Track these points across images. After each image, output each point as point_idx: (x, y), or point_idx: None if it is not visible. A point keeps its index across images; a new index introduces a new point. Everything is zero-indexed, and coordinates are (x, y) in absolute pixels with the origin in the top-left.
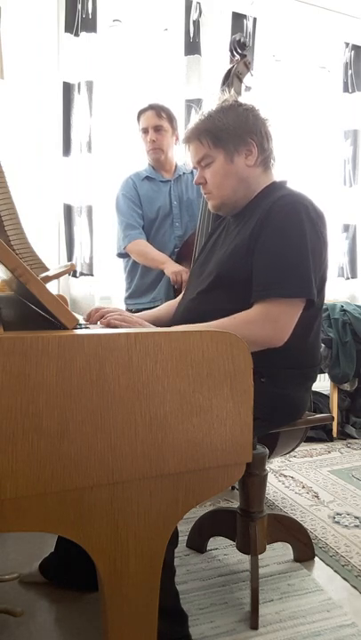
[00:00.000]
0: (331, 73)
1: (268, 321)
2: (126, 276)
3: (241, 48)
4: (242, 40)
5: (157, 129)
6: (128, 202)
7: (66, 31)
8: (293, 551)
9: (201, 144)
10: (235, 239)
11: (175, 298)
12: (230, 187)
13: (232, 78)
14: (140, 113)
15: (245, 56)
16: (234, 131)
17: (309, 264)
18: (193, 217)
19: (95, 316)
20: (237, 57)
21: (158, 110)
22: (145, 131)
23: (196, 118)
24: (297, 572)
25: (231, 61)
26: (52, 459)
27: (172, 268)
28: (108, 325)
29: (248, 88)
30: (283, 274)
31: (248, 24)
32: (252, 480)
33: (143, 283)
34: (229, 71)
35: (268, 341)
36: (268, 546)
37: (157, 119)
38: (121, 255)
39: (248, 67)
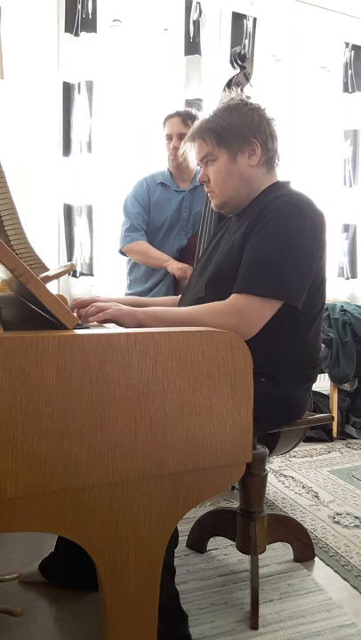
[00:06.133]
0: (331, 73)
1: (233, 312)
2: (128, 271)
3: (241, 60)
4: (242, 52)
5: (182, 137)
6: (137, 205)
7: (66, 31)
8: (293, 551)
9: (205, 142)
10: (232, 238)
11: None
12: (233, 186)
13: (233, 87)
14: (167, 119)
15: (245, 68)
16: (238, 130)
17: (296, 266)
18: None
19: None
20: (238, 68)
21: (185, 118)
22: (169, 137)
23: (200, 117)
24: (297, 571)
25: (234, 67)
26: (52, 459)
27: (176, 265)
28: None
29: (248, 98)
30: (264, 273)
31: (248, 24)
32: (252, 480)
33: (145, 280)
34: (230, 81)
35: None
36: (268, 546)
37: (183, 127)
38: (123, 252)
39: (248, 78)
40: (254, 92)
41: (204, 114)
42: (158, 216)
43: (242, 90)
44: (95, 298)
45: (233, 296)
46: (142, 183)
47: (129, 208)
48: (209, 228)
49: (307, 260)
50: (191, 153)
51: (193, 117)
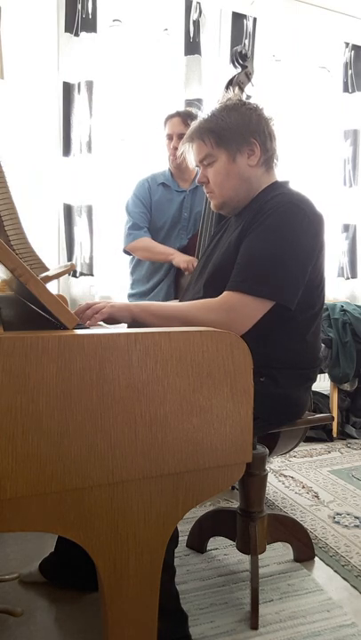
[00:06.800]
0: (331, 73)
1: (223, 309)
2: (131, 270)
3: (242, 59)
4: (243, 51)
5: (182, 137)
6: (140, 204)
7: (66, 31)
8: (293, 551)
9: (204, 143)
10: (230, 238)
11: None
12: (232, 187)
13: (234, 87)
14: (167, 119)
15: (247, 67)
16: (237, 130)
17: (291, 266)
18: None
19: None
20: (239, 68)
21: (185, 118)
22: (170, 137)
23: (199, 117)
24: (297, 571)
25: (235, 66)
26: (52, 459)
27: (182, 257)
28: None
29: (249, 97)
30: (257, 272)
31: (248, 24)
32: (252, 480)
33: (147, 280)
34: (231, 80)
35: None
36: (268, 546)
37: (183, 127)
38: (127, 252)
39: (249, 77)
40: (254, 92)
41: (203, 114)
42: (159, 216)
43: (242, 89)
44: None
45: (225, 293)
46: (143, 183)
47: (131, 208)
48: (209, 229)
49: (303, 260)
50: (190, 153)
51: (193, 117)
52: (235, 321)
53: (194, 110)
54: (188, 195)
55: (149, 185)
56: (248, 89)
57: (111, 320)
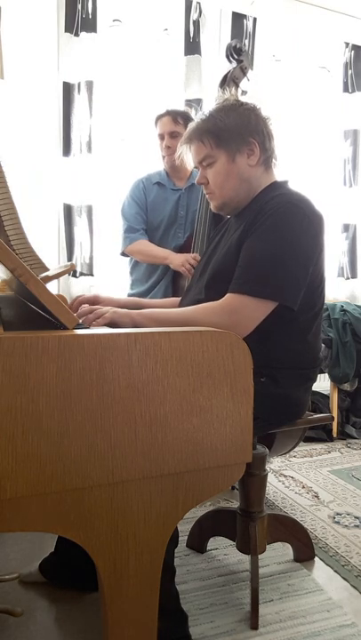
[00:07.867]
0: (331, 73)
1: (226, 311)
2: (130, 271)
3: (237, 53)
4: (238, 45)
5: (173, 135)
6: (135, 205)
7: (66, 31)
8: (293, 551)
9: (203, 144)
10: (230, 239)
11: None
12: (232, 187)
13: (228, 82)
14: (158, 118)
15: (242, 61)
16: (236, 130)
17: (291, 267)
18: None
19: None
20: (234, 62)
21: (175, 116)
22: (161, 136)
23: (197, 118)
24: (297, 571)
25: (230, 61)
26: (52, 459)
27: (176, 261)
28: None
29: (244, 92)
30: (259, 273)
31: (248, 24)
32: (252, 480)
33: (146, 280)
34: (226, 76)
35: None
36: (268, 546)
37: (173, 125)
38: (125, 254)
39: (244, 72)
40: (254, 92)
41: (198, 113)
42: (155, 216)
43: (238, 85)
44: (95, 296)
45: (228, 295)
46: (138, 184)
47: (127, 210)
48: (204, 228)
49: (303, 260)
50: (188, 154)
51: (183, 115)
52: (237, 323)
53: (193, 111)
54: (183, 193)
55: (144, 185)
56: (244, 84)
57: (113, 326)
